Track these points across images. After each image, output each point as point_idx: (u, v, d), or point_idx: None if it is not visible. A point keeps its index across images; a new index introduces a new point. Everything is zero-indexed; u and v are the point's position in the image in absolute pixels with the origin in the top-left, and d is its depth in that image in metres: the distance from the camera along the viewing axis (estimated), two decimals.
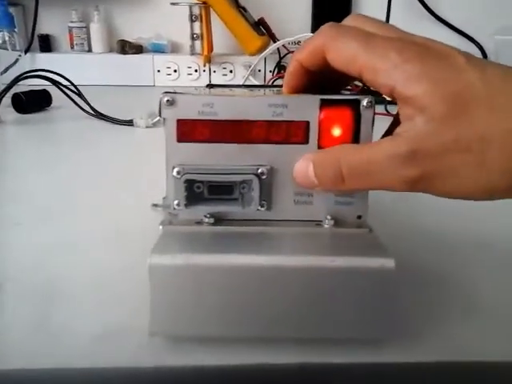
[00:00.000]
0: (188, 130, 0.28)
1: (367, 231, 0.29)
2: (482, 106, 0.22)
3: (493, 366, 0.27)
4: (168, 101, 0.28)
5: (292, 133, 0.28)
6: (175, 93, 0.28)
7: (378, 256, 0.25)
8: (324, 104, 0.28)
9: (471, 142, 0.22)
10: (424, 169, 0.23)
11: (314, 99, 0.28)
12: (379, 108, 0.80)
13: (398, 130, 0.24)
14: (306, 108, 0.28)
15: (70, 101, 0.80)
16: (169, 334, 0.27)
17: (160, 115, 0.28)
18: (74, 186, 0.50)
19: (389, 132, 0.30)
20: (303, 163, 0.27)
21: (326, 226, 0.29)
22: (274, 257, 0.25)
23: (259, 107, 0.28)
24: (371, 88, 0.26)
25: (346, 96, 0.28)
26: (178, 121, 0.28)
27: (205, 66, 1.09)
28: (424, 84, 0.23)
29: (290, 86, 0.29)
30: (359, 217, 0.29)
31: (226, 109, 0.28)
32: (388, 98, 0.25)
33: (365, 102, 0.28)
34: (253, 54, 1.03)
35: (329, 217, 0.29)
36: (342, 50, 0.25)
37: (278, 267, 0.25)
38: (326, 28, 0.26)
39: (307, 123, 0.28)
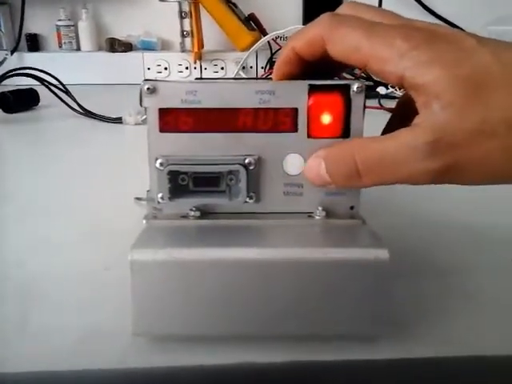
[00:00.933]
0: (171, 120, 0.27)
1: (360, 222, 0.27)
2: (500, 87, 0.21)
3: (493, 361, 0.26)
4: (149, 89, 0.26)
5: (280, 120, 0.27)
6: (156, 80, 0.26)
7: (371, 247, 0.24)
8: (313, 90, 0.26)
9: (497, 126, 0.21)
10: (448, 159, 0.22)
11: (302, 85, 0.26)
12: (373, 102, 0.80)
13: (416, 120, 0.23)
14: (294, 94, 0.26)
15: (58, 99, 0.78)
16: (154, 334, 0.25)
17: (141, 104, 0.27)
18: (62, 185, 0.49)
19: (390, 125, 0.29)
20: (314, 161, 0.26)
21: (317, 217, 0.28)
22: (263, 250, 0.24)
23: (245, 94, 0.26)
24: (376, 78, 0.24)
25: (335, 81, 0.27)
26: (160, 110, 0.27)
27: (195, 63, 1.08)
28: (435, 69, 0.21)
29: (280, 74, 0.28)
30: (351, 207, 0.28)
31: (210, 96, 0.26)
32: (397, 92, 0.23)
33: (355, 87, 0.26)
34: (244, 50, 1.01)
35: (320, 208, 0.28)
36: (343, 40, 0.24)
37: (267, 261, 0.23)
38: (325, 18, 0.25)
39: (295, 110, 0.27)
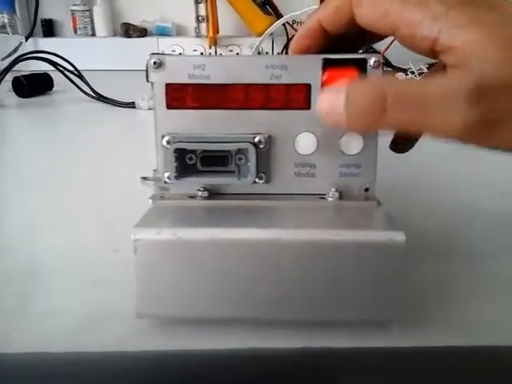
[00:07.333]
0: (178, 96, 0.26)
1: (375, 204, 0.26)
2: None
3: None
4: (155, 63, 0.25)
5: (292, 97, 0.26)
6: (163, 54, 0.25)
7: (385, 229, 0.22)
8: (327, 64, 0.25)
9: None
10: (489, 110, 0.20)
11: (316, 59, 0.25)
12: None
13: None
14: (307, 69, 0.25)
15: (72, 84, 0.78)
16: (157, 316, 0.24)
17: (147, 79, 0.26)
18: (73, 168, 0.48)
19: None
20: (332, 91, 0.23)
21: (330, 199, 0.26)
22: (272, 230, 0.23)
23: (255, 69, 0.25)
24: (407, 47, 0.22)
25: (351, 55, 0.25)
26: (167, 85, 0.26)
27: (210, 48, 1.07)
28: (474, 30, 0.20)
29: (298, 47, 0.26)
30: (366, 189, 0.27)
31: (219, 71, 0.25)
32: (417, 78, 0.22)
33: (372, 61, 0.25)
34: (260, 35, 1.00)
35: (333, 189, 0.26)
36: (373, 4, 0.22)
37: (275, 241, 0.22)
38: None
39: (308, 86, 0.25)
